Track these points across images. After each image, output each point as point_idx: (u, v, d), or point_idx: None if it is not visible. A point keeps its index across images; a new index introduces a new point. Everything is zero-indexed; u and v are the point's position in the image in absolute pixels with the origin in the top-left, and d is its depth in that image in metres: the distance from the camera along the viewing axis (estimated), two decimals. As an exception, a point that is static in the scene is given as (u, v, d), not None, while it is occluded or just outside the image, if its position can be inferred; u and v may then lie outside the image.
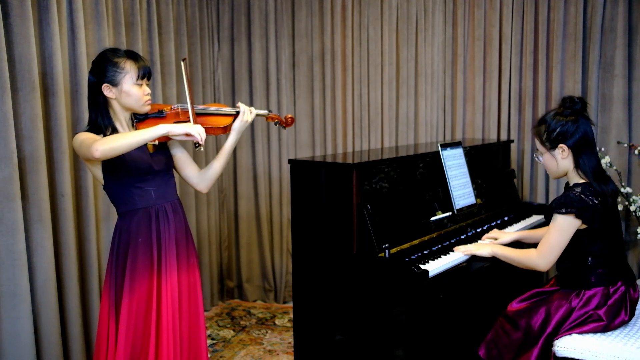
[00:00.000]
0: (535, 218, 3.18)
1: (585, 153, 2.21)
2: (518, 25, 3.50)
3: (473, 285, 2.87)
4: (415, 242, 2.49)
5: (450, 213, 2.73)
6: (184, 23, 3.68)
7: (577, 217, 2.13)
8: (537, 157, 2.34)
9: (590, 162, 2.21)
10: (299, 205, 2.55)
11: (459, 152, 2.87)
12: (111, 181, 2.08)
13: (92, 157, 1.88)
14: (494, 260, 2.43)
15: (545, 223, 2.30)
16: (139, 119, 2.13)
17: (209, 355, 2.53)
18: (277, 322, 3.83)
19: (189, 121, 2.12)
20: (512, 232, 2.67)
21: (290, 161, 2.58)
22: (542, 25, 3.42)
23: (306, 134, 4.07)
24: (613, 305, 2.18)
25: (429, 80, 3.75)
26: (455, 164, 2.81)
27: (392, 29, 3.79)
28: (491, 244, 2.48)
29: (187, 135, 1.96)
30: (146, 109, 2.11)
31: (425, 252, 2.49)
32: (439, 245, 2.58)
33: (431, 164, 2.79)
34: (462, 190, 2.81)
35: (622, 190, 3.15)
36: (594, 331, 2.16)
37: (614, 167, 3.23)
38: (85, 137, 1.97)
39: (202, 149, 2.04)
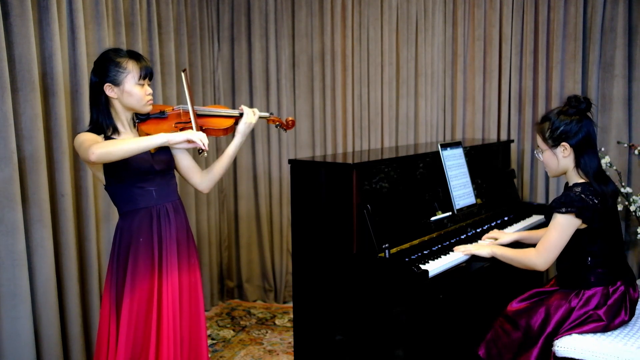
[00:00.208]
0: (535, 218, 3.18)
1: (587, 153, 2.21)
2: (518, 25, 3.50)
3: (473, 285, 2.87)
4: (415, 242, 2.49)
5: (450, 213, 2.73)
6: (184, 23, 3.68)
7: (577, 216, 2.14)
8: (537, 154, 2.35)
9: (591, 162, 2.21)
10: (299, 205, 2.55)
11: (459, 152, 2.87)
12: (113, 181, 2.08)
13: (89, 160, 1.90)
14: (493, 261, 2.43)
15: (545, 223, 2.30)
16: (140, 119, 2.13)
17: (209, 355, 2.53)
18: (277, 322, 3.83)
19: (190, 122, 2.12)
20: (512, 233, 2.67)
21: (290, 161, 2.58)
22: (542, 25, 3.42)
23: (306, 134, 4.07)
24: (613, 305, 2.18)
25: (429, 80, 3.75)
26: (455, 164, 2.81)
27: (392, 29, 3.79)
28: (491, 245, 2.49)
29: (189, 142, 1.95)
30: (148, 109, 2.12)
31: (425, 252, 2.49)
32: (439, 245, 2.58)
33: (431, 164, 2.79)
34: (462, 190, 2.81)
35: (622, 190, 3.15)
36: (594, 331, 2.16)
37: (614, 167, 3.23)
38: (84, 139, 1.97)
39: (205, 154, 2.02)
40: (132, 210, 2.09)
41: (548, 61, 3.44)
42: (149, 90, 2.10)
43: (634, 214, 3.16)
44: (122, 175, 2.06)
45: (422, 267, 2.27)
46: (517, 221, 3.11)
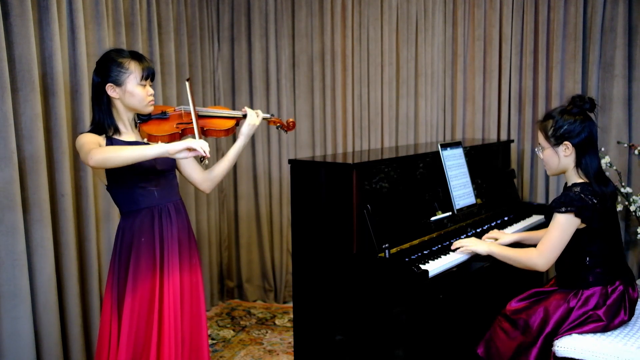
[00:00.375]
0: (535, 218, 3.19)
1: (588, 153, 2.22)
2: (518, 25, 3.50)
3: (473, 285, 2.88)
4: (415, 242, 2.49)
5: (450, 213, 2.73)
6: (184, 23, 3.68)
7: (577, 215, 2.14)
8: (538, 151, 2.35)
9: (592, 162, 2.22)
10: (299, 205, 2.55)
11: (459, 152, 2.87)
12: (114, 181, 2.09)
13: (87, 164, 1.90)
14: (493, 260, 2.43)
15: (545, 223, 2.30)
16: (142, 120, 2.13)
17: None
18: (277, 322, 3.83)
19: (191, 123, 2.12)
20: (512, 234, 2.66)
21: (290, 161, 2.58)
22: (542, 25, 3.42)
23: (306, 134, 4.07)
24: (612, 305, 2.18)
25: (429, 80, 3.75)
26: (455, 164, 2.81)
27: (392, 29, 3.79)
28: (490, 244, 2.48)
29: (190, 149, 1.87)
30: (149, 109, 2.12)
31: (425, 252, 2.49)
32: (439, 245, 2.58)
33: (431, 164, 2.79)
34: (462, 190, 2.81)
35: (622, 190, 3.15)
36: (594, 331, 2.16)
37: (614, 167, 3.23)
38: (85, 141, 1.97)
39: (207, 161, 1.96)
40: (134, 210, 2.09)
41: (548, 61, 3.44)
42: (151, 90, 2.11)
43: (633, 214, 3.16)
44: (124, 176, 2.06)
45: (422, 267, 2.27)
46: (517, 221, 3.11)
